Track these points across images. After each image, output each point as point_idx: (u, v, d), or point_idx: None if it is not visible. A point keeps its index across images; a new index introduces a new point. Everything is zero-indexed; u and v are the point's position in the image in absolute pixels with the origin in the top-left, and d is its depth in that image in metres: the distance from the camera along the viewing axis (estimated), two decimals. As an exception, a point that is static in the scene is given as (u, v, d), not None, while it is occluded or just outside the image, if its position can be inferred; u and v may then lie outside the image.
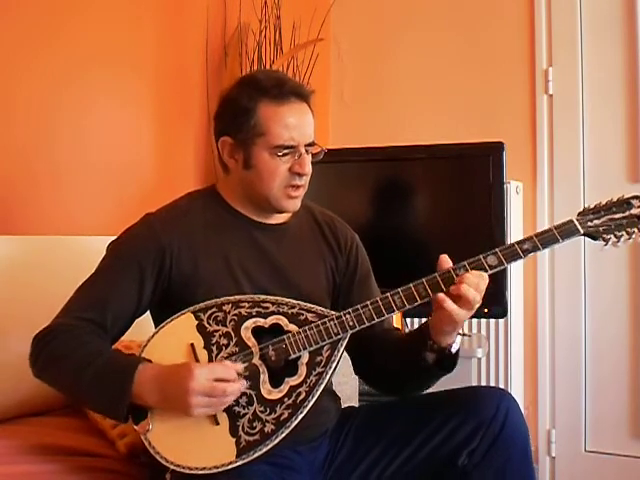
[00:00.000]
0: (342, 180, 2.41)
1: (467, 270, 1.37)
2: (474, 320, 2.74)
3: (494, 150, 2.26)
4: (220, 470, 1.28)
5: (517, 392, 2.75)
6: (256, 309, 1.39)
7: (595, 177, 2.87)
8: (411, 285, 1.38)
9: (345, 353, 1.44)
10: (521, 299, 2.84)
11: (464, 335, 2.43)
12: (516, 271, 2.72)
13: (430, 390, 1.54)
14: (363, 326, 1.38)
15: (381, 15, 3.24)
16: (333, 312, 1.39)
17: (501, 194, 2.27)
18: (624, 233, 1.39)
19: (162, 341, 1.37)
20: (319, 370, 1.36)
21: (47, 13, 2.06)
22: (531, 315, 2.94)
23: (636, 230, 1.39)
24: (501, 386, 2.70)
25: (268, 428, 1.31)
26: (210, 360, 1.35)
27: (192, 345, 1.36)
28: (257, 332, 1.37)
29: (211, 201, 1.54)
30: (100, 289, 1.43)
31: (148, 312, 1.50)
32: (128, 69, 2.34)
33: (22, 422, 1.69)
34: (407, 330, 2.35)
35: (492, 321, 2.71)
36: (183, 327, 1.37)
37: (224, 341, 1.36)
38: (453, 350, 1.44)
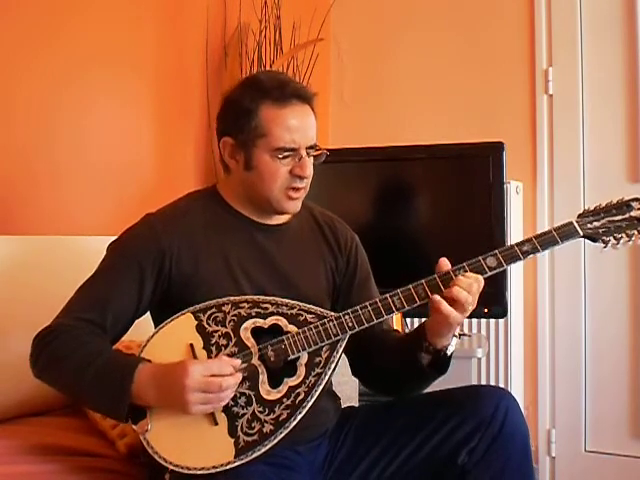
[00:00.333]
0: (342, 180, 2.41)
1: (466, 272, 1.37)
2: (474, 320, 2.74)
3: (494, 150, 2.26)
4: (219, 470, 1.28)
5: (517, 392, 2.75)
6: (255, 310, 1.39)
7: (595, 177, 2.87)
8: (410, 286, 1.38)
9: (343, 354, 1.44)
10: (521, 299, 2.84)
11: (464, 335, 2.42)
12: (516, 271, 2.72)
13: (430, 389, 1.54)
14: (362, 327, 1.38)
15: (381, 15, 3.24)
16: (332, 313, 1.39)
17: (501, 194, 2.27)
18: (623, 235, 1.39)
19: (161, 341, 1.37)
20: (318, 371, 1.36)
21: (47, 13, 2.06)
22: (531, 315, 2.94)
23: (635, 232, 1.39)
24: (501, 386, 2.70)
25: (267, 428, 1.31)
26: None
27: (191, 345, 1.36)
28: (256, 332, 1.37)
29: (211, 201, 1.54)
30: (100, 289, 1.43)
31: (148, 312, 1.50)
32: (128, 69, 2.34)
33: (22, 422, 1.69)
34: (407, 330, 2.35)
35: (492, 321, 2.71)
36: (182, 327, 1.37)
37: (223, 341, 1.36)
38: (448, 352, 1.44)
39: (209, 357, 1.35)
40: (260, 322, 1.38)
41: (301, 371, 1.36)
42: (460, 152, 2.35)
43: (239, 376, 1.31)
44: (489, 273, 1.38)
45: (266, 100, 1.44)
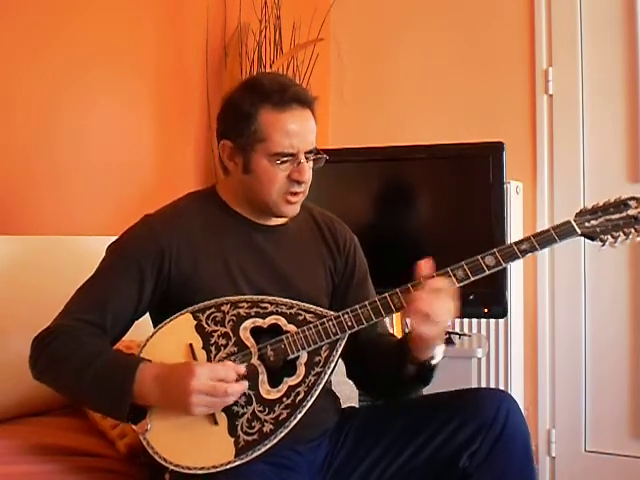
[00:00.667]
0: (342, 180, 2.41)
1: (465, 271, 1.37)
2: (474, 320, 2.75)
3: (494, 150, 2.26)
4: (219, 470, 1.28)
5: (517, 392, 2.75)
6: (255, 309, 1.39)
7: (595, 177, 2.87)
8: (409, 285, 1.38)
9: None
10: (521, 299, 2.84)
11: (464, 335, 2.43)
12: (516, 271, 2.72)
13: (431, 391, 1.54)
14: (362, 326, 1.38)
15: (381, 15, 3.24)
16: (332, 312, 1.39)
17: (501, 194, 2.27)
18: (621, 234, 1.40)
19: (161, 341, 1.37)
20: (317, 370, 1.36)
21: (47, 13, 2.06)
22: (531, 315, 2.95)
23: (633, 231, 1.40)
24: (501, 386, 2.71)
25: (267, 428, 1.31)
26: (209, 360, 1.35)
27: (191, 345, 1.36)
28: (256, 332, 1.37)
29: (210, 202, 1.54)
30: (100, 290, 1.43)
31: (148, 313, 1.50)
32: (128, 69, 2.34)
33: (22, 422, 1.69)
34: (407, 330, 2.35)
35: (492, 321, 2.71)
36: (182, 327, 1.37)
37: (223, 341, 1.36)
38: (433, 363, 1.44)
39: (208, 357, 1.35)
40: (259, 322, 1.38)
41: (301, 370, 1.36)
42: (460, 152, 2.35)
43: (245, 384, 1.31)
44: (488, 272, 1.38)
45: (266, 104, 1.43)
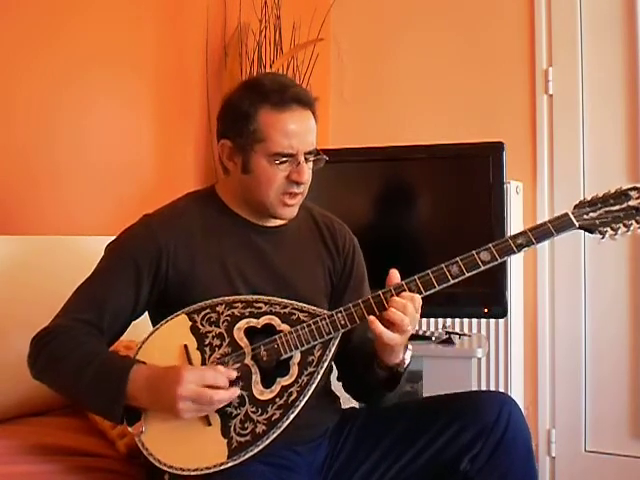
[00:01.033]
0: (342, 180, 2.41)
1: (459, 267, 1.36)
2: (474, 320, 2.74)
3: (494, 150, 2.26)
4: (212, 471, 1.28)
5: (517, 392, 2.75)
6: (249, 309, 1.38)
7: (595, 177, 2.87)
8: (403, 283, 1.37)
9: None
10: (521, 299, 2.84)
11: (464, 335, 2.42)
12: (516, 271, 2.72)
13: (431, 391, 1.53)
14: (355, 325, 1.37)
15: (381, 15, 3.24)
16: (325, 311, 1.39)
17: (501, 194, 2.27)
18: (621, 226, 1.35)
19: (156, 343, 1.37)
20: (311, 370, 1.35)
21: (47, 13, 2.06)
22: (531, 315, 2.95)
23: (634, 222, 1.35)
24: (501, 386, 2.70)
25: (259, 429, 1.31)
26: (203, 361, 1.35)
27: (186, 346, 1.36)
28: (250, 332, 1.37)
29: (209, 202, 1.53)
30: (97, 290, 1.43)
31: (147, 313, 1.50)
32: (128, 69, 2.34)
33: (22, 422, 1.69)
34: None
35: (492, 321, 2.71)
36: (177, 328, 1.37)
37: (217, 342, 1.36)
38: (401, 369, 1.43)
39: (203, 358, 1.35)
40: (253, 322, 1.38)
41: (294, 370, 1.35)
42: (460, 152, 2.35)
43: (235, 391, 1.30)
44: (483, 267, 1.36)
45: (265, 104, 1.42)
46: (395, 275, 1.39)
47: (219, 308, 1.38)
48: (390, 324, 1.34)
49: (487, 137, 2.33)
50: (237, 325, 1.37)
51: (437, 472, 1.46)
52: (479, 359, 2.64)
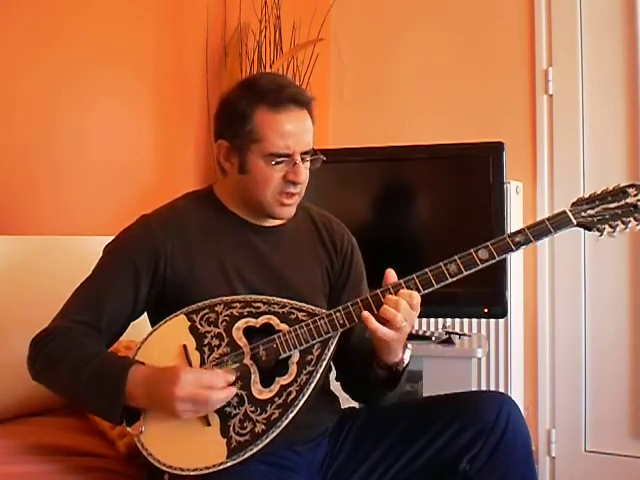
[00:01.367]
0: (342, 180, 2.41)
1: (458, 265, 1.35)
2: (474, 320, 2.74)
3: (494, 150, 2.26)
4: (211, 471, 1.28)
5: (517, 392, 2.75)
6: (247, 309, 1.38)
7: (595, 177, 2.87)
8: (401, 282, 1.37)
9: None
10: (521, 299, 2.84)
11: (464, 335, 2.42)
12: (516, 271, 2.72)
13: (432, 391, 1.53)
14: (353, 324, 1.37)
15: (381, 15, 3.24)
16: (324, 310, 1.39)
17: (501, 194, 2.27)
18: (619, 223, 1.35)
19: (155, 343, 1.37)
20: (309, 369, 1.35)
21: (47, 13, 2.06)
22: (531, 315, 2.95)
23: (632, 219, 1.35)
24: (501, 386, 2.70)
25: (259, 428, 1.31)
26: (202, 361, 1.35)
27: (185, 347, 1.36)
28: (249, 332, 1.37)
29: (207, 203, 1.53)
30: (96, 291, 1.43)
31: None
32: (128, 69, 2.34)
33: (21, 422, 1.69)
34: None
35: (492, 321, 2.71)
36: (176, 329, 1.38)
37: (216, 342, 1.36)
38: (400, 368, 1.43)
39: (202, 358, 1.35)
40: (252, 321, 1.38)
41: (293, 369, 1.35)
42: (460, 152, 2.35)
43: (232, 390, 1.30)
44: (481, 265, 1.36)
45: (261, 104, 1.42)
46: (391, 274, 1.38)
47: (218, 308, 1.38)
48: (384, 321, 1.33)
49: (487, 137, 2.33)
50: (236, 325, 1.37)
51: (437, 472, 1.46)
52: (479, 359, 2.63)
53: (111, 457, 1.56)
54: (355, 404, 1.68)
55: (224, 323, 1.37)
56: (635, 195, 1.36)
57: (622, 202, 1.36)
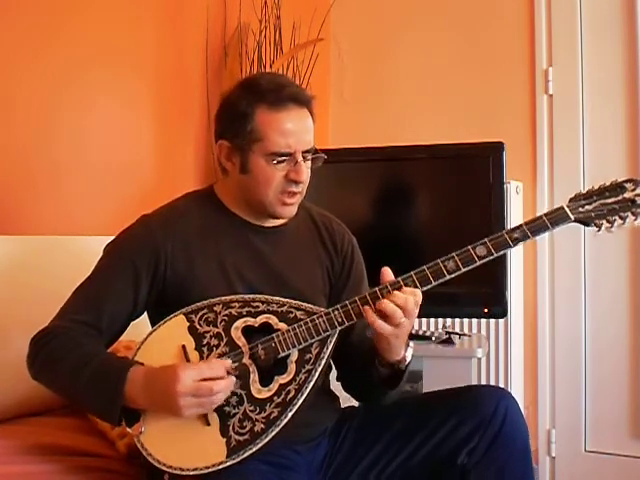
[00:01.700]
0: (342, 180, 2.41)
1: (455, 262, 1.35)
2: (474, 320, 2.74)
3: (494, 150, 2.26)
4: (211, 470, 1.28)
5: (517, 392, 2.75)
6: (246, 309, 1.39)
7: (595, 177, 2.86)
8: (400, 279, 1.37)
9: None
10: (521, 299, 2.84)
11: (464, 335, 2.42)
12: (516, 271, 2.72)
13: (430, 389, 1.53)
14: (352, 322, 1.36)
15: (381, 15, 3.24)
16: (322, 309, 1.38)
17: (501, 194, 2.27)
18: (617, 218, 1.35)
19: (155, 343, 1.38)
20: (308, 367, 1.35)
21: (47, 13, 2.06)
22: (531, 315, 2.95)
23: (630, 214, 1.35)
24: (501, 386, 2.70)
25: (258, 427, 1.31)
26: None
27: (184, 347, 1.36)
28: (247, 331, 1.37)
29: (208, 203, 1.53)
30: (96, 291, 1.44)
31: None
32: (128, 69, 2.34)
33: (21, 422, 1.69)
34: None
35: (492, 321, 2.71)
36: (175, 329, 1.38)
37: (215, 342, 1.36)
38: (402, 367, 1.43)
39: (201, 358, 1.35)
40: (251, 321, 1.38)
41: (291, 368, 1.35)
42: (460, 152, 2.35)
43: (232, 379, 1.31)
44: (479, 262, 1.35)
45: (262, 104, 1.42)
46: (387, 272, 1.38)
47: (217, 308, 1.38)
48: (383, 315, 1.33)
49: (487, 137, 2.33)
50: (235, 324, 1.37)
51: (436, 466, 1.46)
52: (479, 359, 2.64)
53: (111, 457, 1.56)
54: (355, 403, 1.68)
55: (223, 323, 1.37)
56: (632, 190, 1.36)
57: (620, 197, 1.36)
